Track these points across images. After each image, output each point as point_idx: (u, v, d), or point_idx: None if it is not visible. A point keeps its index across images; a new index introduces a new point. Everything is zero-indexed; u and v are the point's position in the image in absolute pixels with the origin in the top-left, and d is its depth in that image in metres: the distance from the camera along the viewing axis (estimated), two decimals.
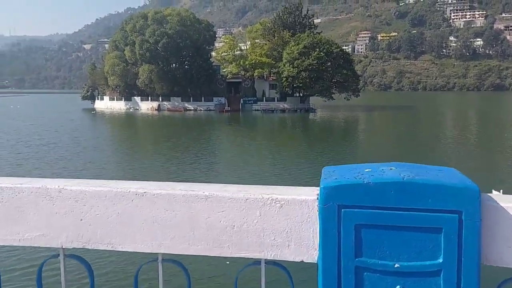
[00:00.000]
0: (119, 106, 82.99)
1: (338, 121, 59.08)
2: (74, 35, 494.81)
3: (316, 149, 32.11)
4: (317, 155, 27.98)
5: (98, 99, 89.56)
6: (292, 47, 71.26)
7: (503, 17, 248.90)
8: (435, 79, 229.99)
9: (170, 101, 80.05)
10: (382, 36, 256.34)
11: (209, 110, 77.44)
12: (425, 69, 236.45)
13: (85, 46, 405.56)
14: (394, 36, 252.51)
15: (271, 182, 20.51)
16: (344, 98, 75.57)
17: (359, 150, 33.47)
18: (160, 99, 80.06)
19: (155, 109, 79.01)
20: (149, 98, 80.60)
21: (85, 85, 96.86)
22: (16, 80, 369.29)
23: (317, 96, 76.61)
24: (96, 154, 28.52)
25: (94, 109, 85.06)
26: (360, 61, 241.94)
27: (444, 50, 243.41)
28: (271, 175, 22.04)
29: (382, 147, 34.45)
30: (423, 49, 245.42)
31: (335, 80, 75.96)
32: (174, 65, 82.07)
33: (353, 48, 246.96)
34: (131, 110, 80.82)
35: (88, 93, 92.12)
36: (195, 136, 40.35)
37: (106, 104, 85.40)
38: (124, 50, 78.74)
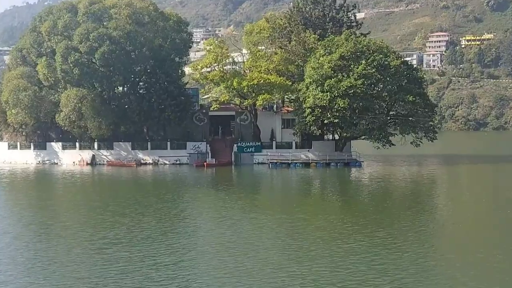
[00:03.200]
0: (25, 158, 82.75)
1: (405, 186, 58.46)
2: None
3: (377, 252, 31.45)
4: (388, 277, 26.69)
5: None
6: (321, 58, 72.30)
7: None
8: None
9: (112, 149, 79.97)
10: (468, 41, 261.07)
11: (179, 163, 77.08)
12: None
13: None
14: (489, 39, 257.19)
15: None
16: (411, 143, 75.53)
17: (460, 256, 32.79)
18: (96, 146, 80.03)
19: (87, 163, 78.79)
20: (77, 144, 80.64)
21: None
22: None
23: (364, 139, 76.60)
24: None
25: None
26: (433, 82, 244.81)
27: None
28: None
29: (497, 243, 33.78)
30: None
31: (394, 113, 76.28)
32: (120, 88, 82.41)
33: (420, 60, 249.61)
34: (45, 164, 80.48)
35: None
36: (155, 218, 39.79)
37: (3, 156, 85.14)
38: (37, 64, 79.80)
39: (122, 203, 44.86)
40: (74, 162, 79.74)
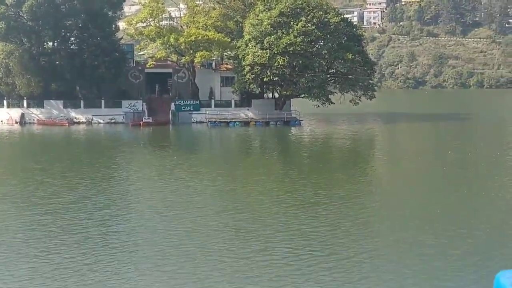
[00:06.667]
0: None
1: (343, 144, 60.48)
2: None
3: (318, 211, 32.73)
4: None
5: None
6: (261, 15, 72.91)
7: None
8: (498, 68, 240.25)
9: (43, 107, 78.99)
10: None
11: (115, 122, 76.95)
12: (481, 52, 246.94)
13: None
14: None
15: None
16: (350, 101, 77.71)
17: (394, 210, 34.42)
18: (25, 104, 78.89)
19: (15, 122, 77.65)
20: (5, 102, 79.32)
21: None
22: None
23: (303, 97, 78.25)
24: None
25: None
26: (373, 39, 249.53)
27: (511, 21, 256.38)
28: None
29: (426, 191, 35.71)
30: (477, 19, 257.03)
31: (334, 71, 78.07)
32: (50, 44, 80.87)
33: (361, 17, 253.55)
34: None
35: None
36: (97, 180, 39.93)
37: None
38: None
39: (44, 167, 43.68)
40: (1, 121, 78.43)
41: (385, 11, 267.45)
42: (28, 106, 79.01)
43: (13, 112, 78.78)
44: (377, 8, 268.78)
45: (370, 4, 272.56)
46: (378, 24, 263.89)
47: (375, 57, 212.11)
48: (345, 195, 31.41)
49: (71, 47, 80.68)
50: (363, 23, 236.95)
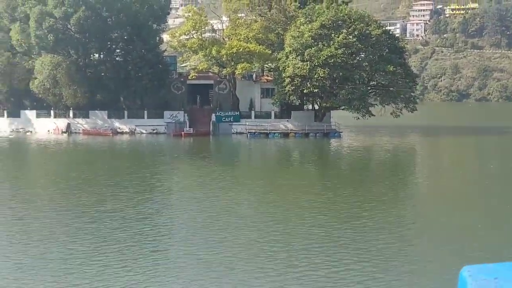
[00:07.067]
0: None
1: (383, 157, 60.09)
2: None
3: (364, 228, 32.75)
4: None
5: None
6: (302, 27, 73.24)
7: None
8: None
9: (88, 117, 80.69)
10: (452, 10, 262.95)
11: (157, 132, 78.05)
12: None
13: None
14: (474, 9, 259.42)
15: None
16: (391, 114, 77.15)
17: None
18: (71, 115, 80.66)
19: (63, 132, 79.44)
20: (52, 112, 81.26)
21: None
22: None
23: (343, 109, 78.08)
24: None
25: None
26: (416, 51, 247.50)
27: None
28: None
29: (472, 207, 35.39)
30: None
31: (374, 83, 77.83)
32: (96, 56, 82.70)
33: (404, 29, 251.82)
34: (19, 133, 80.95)
35: None
36: (145, 191, 40.57)
37: None
38: (10, 29, 79.76)
39: (91, 177, 44.97)
40: (48, 131, 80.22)
41: (429, 23, 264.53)
42: (74, 116, 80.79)
43: (60, 122, 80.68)
44: (420, 20, 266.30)
45: (413, 16, 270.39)
46: (421, 36, 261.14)
47: (418, 70, 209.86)
48: (385, 208, 31.37)
49: (116, 59, 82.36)
50: (406, 35, 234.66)
